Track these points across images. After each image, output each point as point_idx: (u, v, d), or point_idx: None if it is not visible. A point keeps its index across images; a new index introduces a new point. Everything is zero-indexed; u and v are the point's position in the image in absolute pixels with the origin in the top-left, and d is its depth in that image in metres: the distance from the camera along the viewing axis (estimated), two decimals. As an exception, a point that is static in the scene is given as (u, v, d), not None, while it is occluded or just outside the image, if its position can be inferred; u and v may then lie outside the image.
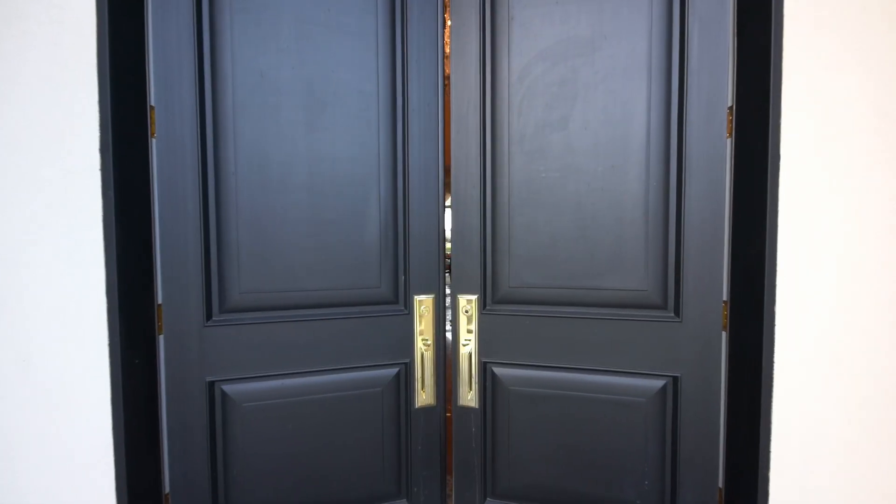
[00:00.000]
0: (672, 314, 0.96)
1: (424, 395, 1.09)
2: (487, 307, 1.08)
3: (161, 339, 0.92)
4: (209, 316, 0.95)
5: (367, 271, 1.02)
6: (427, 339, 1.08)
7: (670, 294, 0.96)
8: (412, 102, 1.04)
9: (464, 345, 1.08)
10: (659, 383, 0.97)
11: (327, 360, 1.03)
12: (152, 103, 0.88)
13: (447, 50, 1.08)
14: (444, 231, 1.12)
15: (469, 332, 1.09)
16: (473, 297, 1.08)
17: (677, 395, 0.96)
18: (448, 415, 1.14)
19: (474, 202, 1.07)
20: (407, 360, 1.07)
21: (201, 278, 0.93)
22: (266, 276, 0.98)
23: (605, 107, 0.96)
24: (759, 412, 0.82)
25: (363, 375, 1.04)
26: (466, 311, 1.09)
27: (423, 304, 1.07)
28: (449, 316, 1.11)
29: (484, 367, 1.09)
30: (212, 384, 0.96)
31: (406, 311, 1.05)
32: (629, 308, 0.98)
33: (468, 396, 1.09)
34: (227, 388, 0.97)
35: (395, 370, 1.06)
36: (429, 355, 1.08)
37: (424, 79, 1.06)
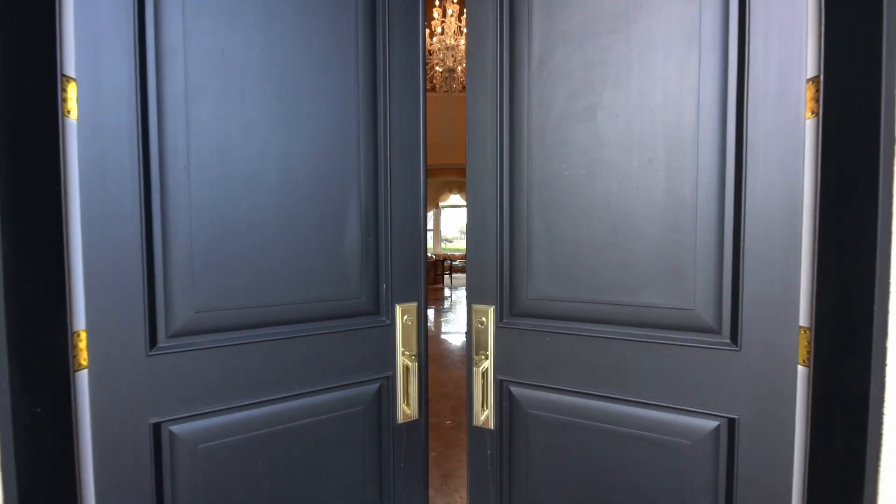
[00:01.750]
0: (727, 340, 0.81)
1: (408, 409, 1.07)
2: (505, 320, 1.02)
3: (82, 375, 0.73)
4: (153, 342, 0.79)
5: (346, 281, 0.99)
6: (410, 350, 1.06)
7: (724, 315, 0.80)
8: (393, 100, 1.03)
9: (477, 361, 1.03)
10: (709, 424, 0.82)
11: (302, 383, 0.94)
12: (69, 74, 0.70)
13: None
14: (426, 234, 1.10)
15: (484, 346, 1.04)
16: (489, 309, 1.03)
17: (733, 442, 0.80)
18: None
19: (490, 203, 1.02)
20: (389, 374, 1.06)
21: (143, 296, 0.76)
22: (228, 289, 0.85)
23: (640, 90, 0.84)
24: (857, 478, 0.65)
25: (342, 395, 1.00)
26: (482, 323, 1.04)
27: (406, 313, 1.05)
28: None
29: (500, 386, 1.03)
30: (157, 426, 0.80)
31: (388, 322, 1.04)
32: (671, 330, 0.85)
33: (482, 417, 1.04)
34: (177, 428, 0.82)
35: (376, 386, 1.05)
36: (413, 367, 1.06)
37: (406, 73, 1.05)
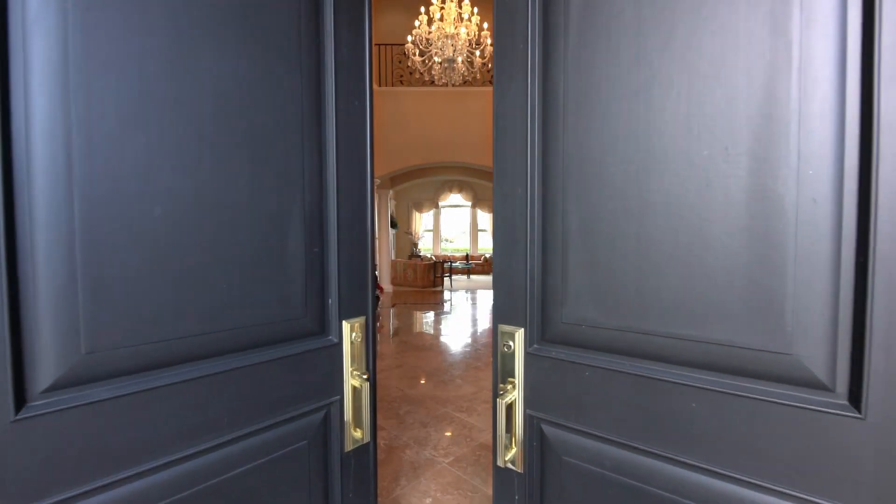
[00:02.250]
0: (843, 402, 0.58)
1: (360, 434, 0.97)
2: (536, 345, 0.87)
3: None
4: (20, 402, 0.57)
5: (287, 299, 0.87)
6: (359, 368, 0.96)
7: (840, 366, 0.58)
8: (340, 97, 0.93)
9: (504, 391, 0.90)
10: (814, 514, 0.60)
11: (235, 425, 0.79)
12: None
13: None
14: (373, 242, 1.00)
15: (511, 373, 0.90)
16: (518, 332, 0.89)
17: (852, 547, 0.57)
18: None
19: (520, 207, 0.87)
20: (336, 397, 0.96)
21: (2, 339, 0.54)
22: (134, 320, 0.66)
23: (711, 56, 0.64)
24: None
25: (283, 432, 0.88)
26: (508, 347, 0.91)
27: (354, 329, 0.94)
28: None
29: (530, 422, 0.89)
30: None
31: (335, 341, 0.94)
32: (756, 379, 0.64)
33: (508, 455, 0.90)
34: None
35: (321, 414, 0.94)
36: (363, 386, 0.95)
37: (353, 66, 0.95)
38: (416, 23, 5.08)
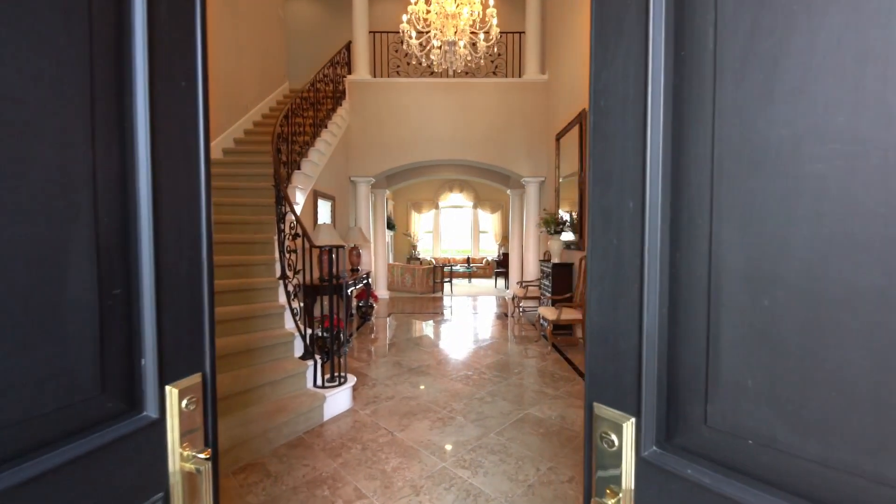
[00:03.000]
0: None
1: None
2: (657, 449, 0.58)
3: None
4: None
5: (71, 368, 0.58)
6: (194, 446, 0.70)
7: None
8: (158, 79, 0.64)
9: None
10: None
11: None
12: None
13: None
14: (211, 267, 0.74)
15: (614, 481, 0.61)
16: (626, 423, 0.60)
17: None
18: None
19: (630, 227, 0.59)
20: (160, 494, 0.68)
21: None
22: None
23: None
24: None
25: None
26: (609, 443, 0.62)
27: (186, 394, 0.69)
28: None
29: (645, 562, 0.60)
30: None
31: (154, 416, 0.67)
32: None
33: None
34: None
35: None
36: (203, 469, 0.69)
37: (177, 23, 0.67)
38: (413, 0, 4.73)
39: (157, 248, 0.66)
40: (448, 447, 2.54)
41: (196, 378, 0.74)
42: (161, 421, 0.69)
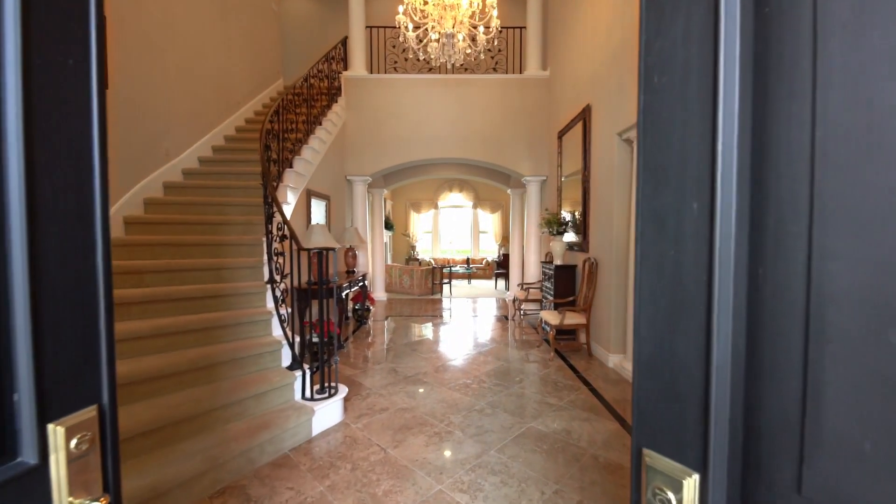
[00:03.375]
0: None
1: None
2: (731, 516, 0.46)
3: None
4: None
5: None
6: (90, 494, 0.60)
7: None
8: (32, 42, 0.51)
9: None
10: None
11: None
12: None
13: None
14: (109, 277, 0.62)
15: (672, 554, 0.49)
16: (688, 479, 0.48)
17: None
18: None
19: (693, 234, 0.47)
20: None
21: None
22: None
23: None
24: None
25: None
26: (660, 496, 0.50)
27: (76, 433, 0.58)
28: None
29: None
30: None
31: (32, 463, 0.55)
32: None
33: None
34: None
35: None
36: None
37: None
38: (409, -11, 4.58)
39: (32, 255, 0.54)
40: (445, 465, 2.41)
41: (90, 412, 0.62)
42: (42, 467, 0.57)
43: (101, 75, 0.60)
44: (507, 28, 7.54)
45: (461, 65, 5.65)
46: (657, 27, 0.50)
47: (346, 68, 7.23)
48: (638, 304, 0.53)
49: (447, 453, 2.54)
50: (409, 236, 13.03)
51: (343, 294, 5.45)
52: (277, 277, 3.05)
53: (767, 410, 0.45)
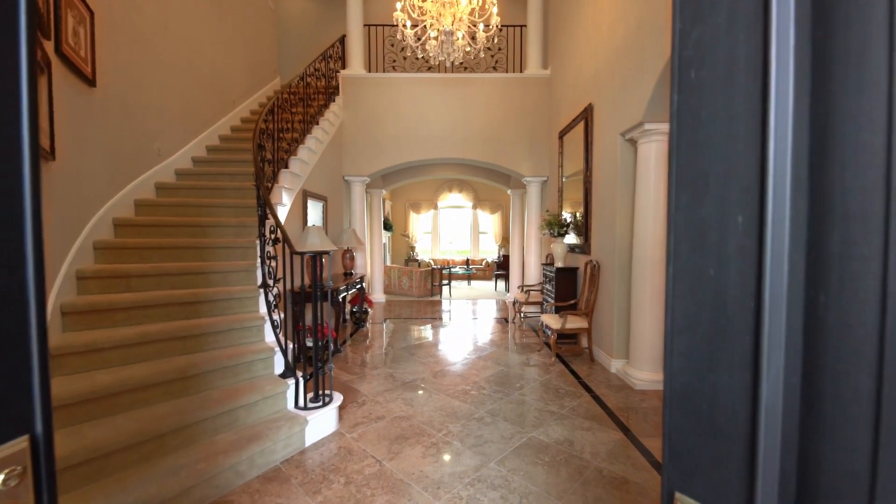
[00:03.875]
0: None
1: None
2: (784, 584, 0.40)
3: None
4: None
5: None
6: None
7: None
8: None
9: None
10: None
11: None
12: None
13: None
14: (41, 281, 0.55)
15: None
16: (732, 538, 0.41)
17: None
18: None
19: (737, 251, 0.41)
20: None
21: None
22: None
23: None
24: None
25: None
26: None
27: (3, 465, 0.52)
28: None
29: None
30: None
31: None
32: None
33: None
34: None
35: None
36: None
37: None
38: (408, -15, 4.51)
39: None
40: (443, 478, 2.34)
41: (20, 443, 0.55)
42: None
43: (32, 71, 0.54)
44: (508, 26, 7.48)
45: (461, 63, 5.59)
46: (695, 13, 0.44)
47: (343, 67, 7.16)
48: (670, 331, 0.46)
49: (445, 466, 2.47)
50: (409, 237, 12.95)
51: (340, 297, 5.39)
52: (270, 281, 2.98)
53: (828, 461, 0.38)
